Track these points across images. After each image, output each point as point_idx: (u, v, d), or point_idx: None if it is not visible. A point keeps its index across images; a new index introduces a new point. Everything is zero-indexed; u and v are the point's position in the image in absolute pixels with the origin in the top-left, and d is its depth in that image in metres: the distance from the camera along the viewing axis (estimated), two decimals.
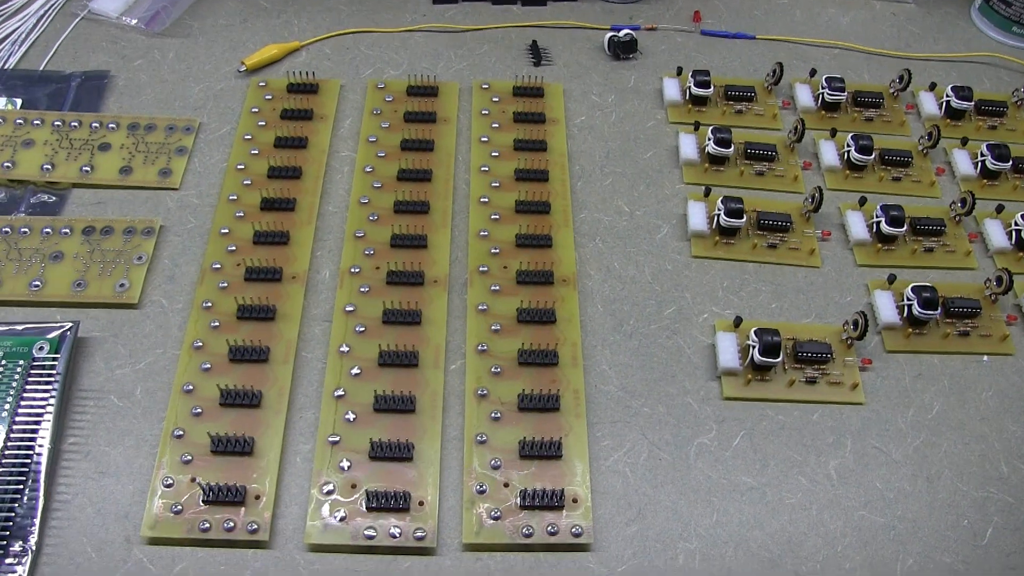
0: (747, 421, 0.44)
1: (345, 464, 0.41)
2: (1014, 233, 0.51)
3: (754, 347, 0.45)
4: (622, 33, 0.58)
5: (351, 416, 0.43)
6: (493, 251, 0.49)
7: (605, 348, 0.46)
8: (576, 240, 0.50)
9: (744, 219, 0.50)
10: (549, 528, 0.40)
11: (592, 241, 0.50)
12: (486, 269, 0.48)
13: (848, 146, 0.54)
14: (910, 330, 0.47)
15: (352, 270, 0.48)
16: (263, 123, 0.54)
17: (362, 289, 0.47)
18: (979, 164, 0.55)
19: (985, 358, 0.48)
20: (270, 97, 0.56)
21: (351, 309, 0.46)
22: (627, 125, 0.56)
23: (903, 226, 0.50)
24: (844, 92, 0.56)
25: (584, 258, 0.50)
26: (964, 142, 0.56)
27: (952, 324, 0.48)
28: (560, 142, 0.54)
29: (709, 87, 0.56)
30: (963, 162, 0.55)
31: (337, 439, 0.42)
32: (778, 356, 0.44)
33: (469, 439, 0.43)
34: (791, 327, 0.47)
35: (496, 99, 0.56)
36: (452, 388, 0.45)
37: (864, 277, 0.50)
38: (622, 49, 0.58)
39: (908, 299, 0.47)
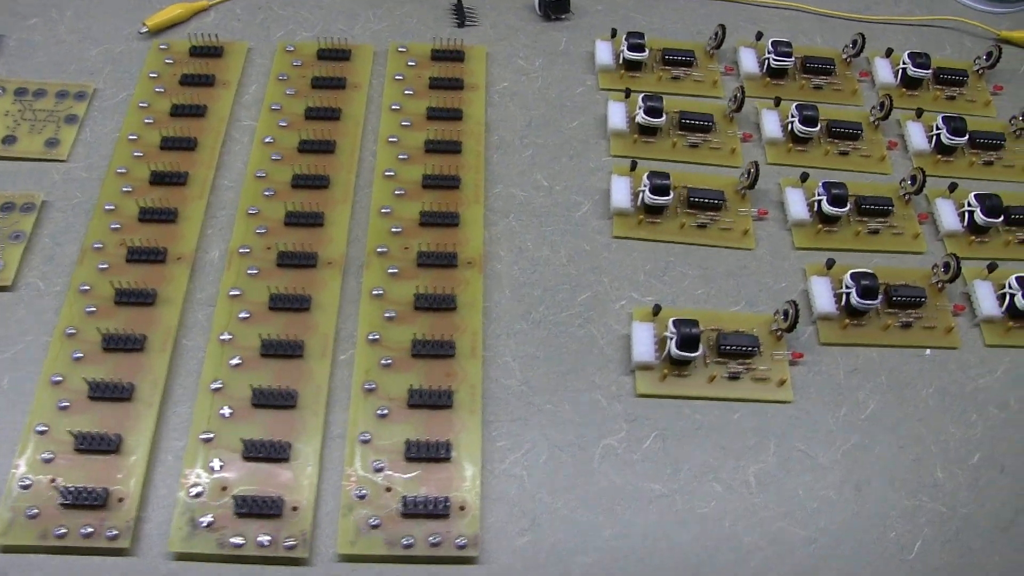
0: (661, 421, 0.40)
1: (216, 464, 0.38)
2: (967, 214, 0.47)
3: (672, 339, 0.41)
4: None
5: (227, 411, 0.39)
6: (394, 230, 0.45)
7: (510, 338, 0.42)
8: (487, 218, 0.46)
9: (671, 196, 0.45)
10: (431, 538, 0.37)
11: (505, 219, 0.46)
12: (385, 250, 0.44)
13: (792, 116, 0.49)
14: (847, 321, 0.43)
15: (241, 250, 0.44)
16: (161, 89, 0.50)
17: (250, 271, 0.43)
18: (934, 138, 0.50)
19: (928, 352, 0.43)
20: (171, 61, 0.51)
21: (237, 293, 0.42)
22: (554, 92, 0.52)
23: (845, 205, 0.46)
24: (791, 57, 0.52)
25: (494, 238, 0.45)
26: (919, 113, 0.51)
27: (894, 314, 0.44)
28: (478, 110, 0.49)
29: (643, 51, 0.51)
30: (917, 135, 0.50)
31: (211, 436, 0.39)
32: (697, 350, 0.40)
33: (352, 438, 0.39)
34: (716, 316, 0.43)
35: (412, 63, 0.51)
36: (340, 381, 0.41)
37: (802, 261, 0.46)
38: (553, 9, 0.53)
39: (847, 287, 0.43)
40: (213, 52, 0.52)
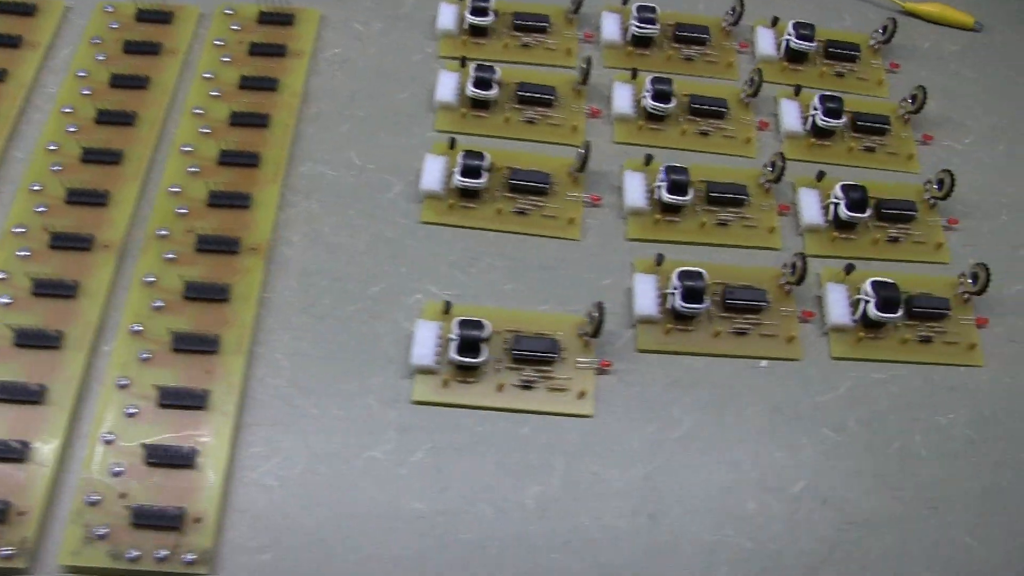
0: (436, 432, 0.36)
1: None
2: (831, 207, 0.41)
3: (454, 340, 0.36)
4: None
5: None
6: (180, 211, 0.40)
7: (285, 333, 0.38)
8: (287, 199, 0.41)
9: (484, 178, 0.40)
10: (159, 552, 0.33)
11: (306, 200, 0.42)
12: (167, 233, 0.40)
13: (647, 92, 0.44)
14: (670, 325, 0.38)
15: (15, 230, 0.40)
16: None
17: (20, 253, 0.40)
18: (809, 119, 0.44)
19: (763, 363, 0.38)
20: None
21: (3, 277, 0.39)
22: (388, 60, 0.47)
23: (687, 193, 0.41)
24: (656, 24, 0.46)
25: (290, 221, 0.41)
26: (797, 91, 0.45)
27: (728, 319, 0.38)
28: (296, 80, 0.44)
29: (488, 14, 0.46)
30: (790, 115, 0.44)
31: None
32: (480, 355, 0.36)
33: (94, 438, 0.35)
34: (516, 316, 0.38)
35: (237, 27, 0.47)
36: (98, 375, 0.37)
37: (634, 254, 0.41)
38: None
39: (674, 287, 0.38)
40: None
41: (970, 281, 0.40)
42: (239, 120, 0.43)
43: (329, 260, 0.40)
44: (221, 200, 0.40)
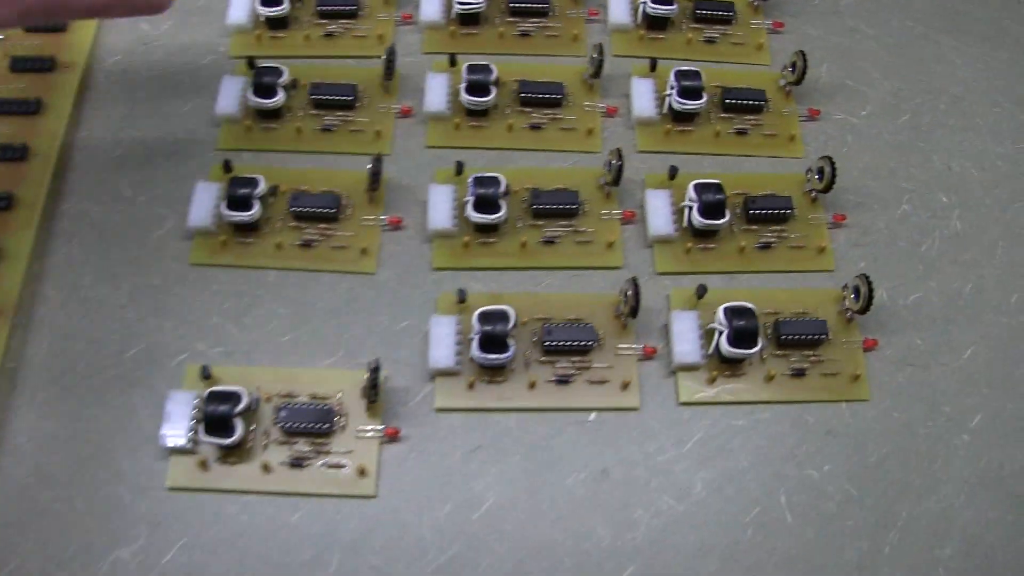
0: (194, 525, 0.30)
1: None
2: (685, 211, 0.34)
3: (198, 417, 0.30)
4: None
5: None
6: None
7: (31, 410, 0.32)
8: (46, 247, 0.35)
9: (256, 209, 0.33)
10: None
11: (67, 245, 0.35)
12: None
13: (465, 78, 0.36)
14: (473, 378, 0.31)
15: None
16: None
17: None
18: (665, 101, 0.36)
19: (591, 416, 0.31)
20: None
21: None
22: (175, 63, 0.40)
23: (498, 211, 0.34)
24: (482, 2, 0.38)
25: (47, 273, 0.35)
26: (652, 66, 0.37)
27: (549, 364, 0.32)
28: (63, 99, 0.38)
29: (283, 2, 0.39)
30: (643, 98, 0.36)
31: None
32: (231, 433, 0.30)
33: None
34: (290, 376, 0.32)
35: (1, 36, 0.41)
36: None
37: (439, 289, 0.34)
38: None
39: (474, 331, 0.31)
40: None
41: (852, 296, 0.32)
42: None
43: (87, 317, 0.34)
44: None
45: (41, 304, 0.34)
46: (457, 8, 0.38)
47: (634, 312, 0.31)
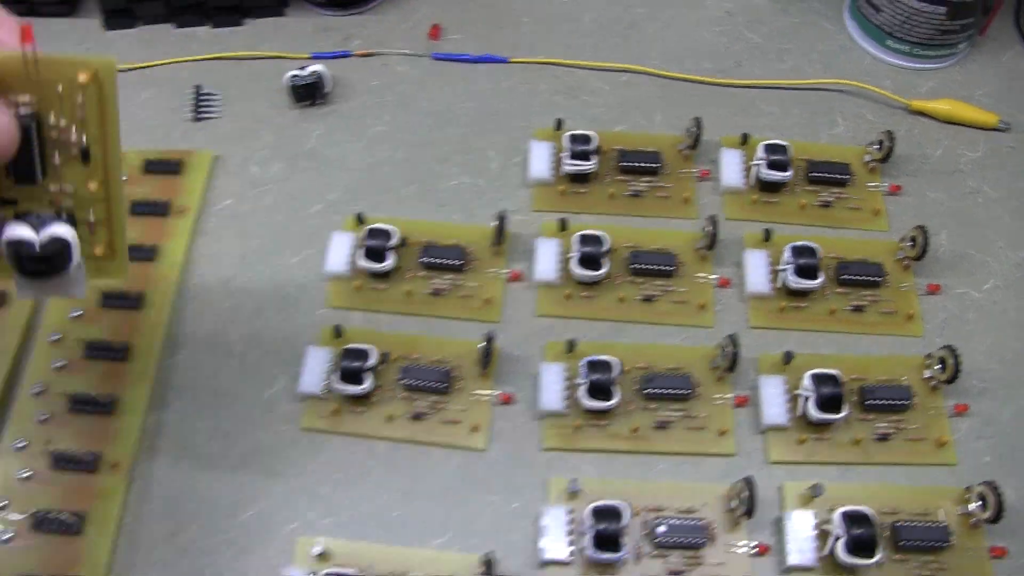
0: None
1: None
2: (799, 400, 0.33)
3: None
4: (307, 72, 0.42)
5: None
6: (41, 418, 0.36)
7: (144, 571, 0.33)
8: (159, 400, 0.36)
9: (368, 382, 0.34)
10: None
11: (179, 400, 0.36)
12: (24, 444, 0.35)
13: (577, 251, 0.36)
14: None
15: None
16: None
17: None
18: (779, 277, 0.35)
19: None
20: None
21: None
22: (284, 211, 0.40)
23: (610, 398, 0.33)
24: (592, 159, 0.38)
25: (159, 427, 0.35)
26: (766, 236, 0.36)
27: (661, 557, 0.31)
28: (176, 249, 0.38)
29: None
30: (757, 274, 0.35)
31: None
32: None
33: None
34: (407, 557, 0.32)
35: (124, 179, 0.41)
36: None
37: (553, 467, 0.34)
38: (302, 94, 0.42)
39: (586, 525, 0.31)
40: None
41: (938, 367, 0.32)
42: (109, 302, 0.38)
43: (199, 477, 0.34)
44: (83, 407, 0.35)
45: (155, 462, 0.35)
46: (566, 167, 0.38)
47: (749, 513, 0.30)
